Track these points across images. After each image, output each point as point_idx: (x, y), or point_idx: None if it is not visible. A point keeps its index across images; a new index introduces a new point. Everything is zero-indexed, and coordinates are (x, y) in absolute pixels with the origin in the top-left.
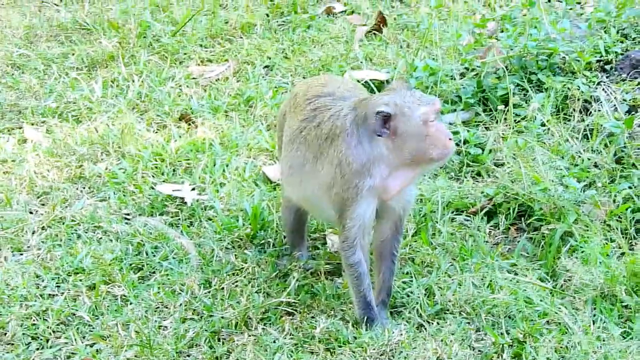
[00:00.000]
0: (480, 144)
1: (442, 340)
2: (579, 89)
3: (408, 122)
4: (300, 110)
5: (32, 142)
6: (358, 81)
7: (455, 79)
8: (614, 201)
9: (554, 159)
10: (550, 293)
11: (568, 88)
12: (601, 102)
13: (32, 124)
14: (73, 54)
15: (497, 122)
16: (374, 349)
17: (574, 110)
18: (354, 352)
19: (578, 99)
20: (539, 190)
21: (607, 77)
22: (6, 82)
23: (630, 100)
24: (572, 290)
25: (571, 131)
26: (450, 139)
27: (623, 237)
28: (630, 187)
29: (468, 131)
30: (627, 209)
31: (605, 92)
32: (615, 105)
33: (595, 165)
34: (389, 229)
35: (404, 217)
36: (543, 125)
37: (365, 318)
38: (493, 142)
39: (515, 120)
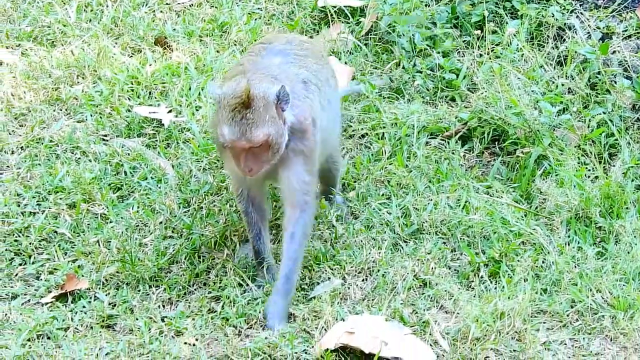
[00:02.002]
0: (455, 69)
1: (418, 259)
2: (553, 17)
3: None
4: None
5: (8, 64)
6: (333, 7)
7: (429, 6)
8: (588, 126)
9: (529, 84)
10: (525, 214)
11: (542, 15)
12: (575, 30)
13: (7, 48)
14: None
15: (471, 48)
16: (351, 267)
17: (548, 37)
18: (332, 269)
19: (552, 26)
20: (513, 114)
21: (580, 5)
22: None
23: (603, 27)
24: (546, 212)
25: (545, 58)
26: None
27: (597, 161)
28: (604, 113)
29: (443, 57)
30: (601, 134)
31: (579, 19)
32: (589, 32)
33: (570, 91)
34: (287, 209)
35: (292, 203)
36: (518, 50)
37: (257, 263)
38: (467, 68)
39: (490, 48)
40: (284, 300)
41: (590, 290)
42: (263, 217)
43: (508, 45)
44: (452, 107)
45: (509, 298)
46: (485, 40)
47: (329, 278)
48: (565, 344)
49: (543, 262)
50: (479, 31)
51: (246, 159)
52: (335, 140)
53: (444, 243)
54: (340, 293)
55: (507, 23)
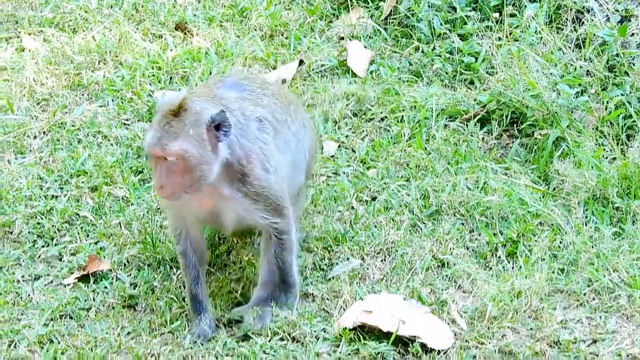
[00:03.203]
0: (474, 52)
1: (437, 240)
2: None
3: None
4: None
5: (30, 51)
6: None
7: None
8: (606, 108)
9: (547, 66)
10: (543, 195)
11: None
12: (594, 12)
13: (30, 34)
14: None
15: (490, 31)
16: (371, 247)
17: (567, 20)
18: (351, 250)
19: (571, 9)
20: (531, 97)
21: None
22: None
23: (622, 10)
24: (564, 193)
25: (564, 40)
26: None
27: (615, 142)
28: (622, 94)
29: (462, 40)
30: (618, 115)
31: (598, 2)
32: (607, 15)
33: (588, 73)
34: (265, 237)
35: (263, 230)
36: (537, 33)
37: (194, 311)
38: (486, 51)
39: (509, 32)
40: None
41: (607, 269)
42: (202, 259)
43: (527, 28)
44: (471, 90)
45: (526, 277)
46: (504, 24)
47: (348, 259)
48: (581, 322)
49: (561, 242)
50: (497, 14)
51: (160, 174)
52: (294, 187)
53: (462, 224)
54: (359, 273)
55: (525, 6)
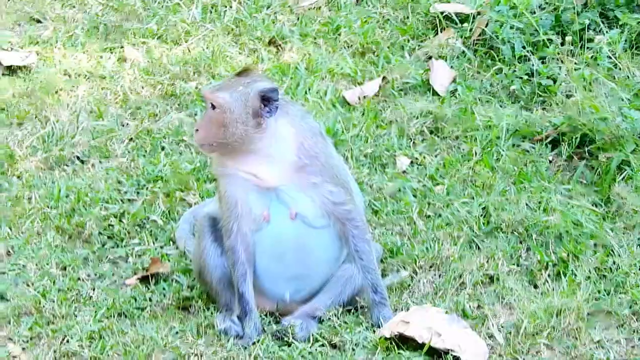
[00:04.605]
0: (553, 75)
1: (490, 256)
2: None
3: None
4: None
5: (131, 60)
6: (441, 13)
7: (535, 13)
8: None
9: (617, 91)
10: (603, 218)
11: None
12: None
13: (133, 45)
14: None
15: (572, 55)
16: (423, 261)
17: None
18: (404, 262)
19: None
20: (598, 119)
21: None
22: (112, 4)
23: None
24: (623, 216)
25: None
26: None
27: None
28: None
29: (542, 63)
30: None
31: None
32: None
33: None
34: (340, 229)
35: (336, 219)
36: (609, 57)
37: (239, 311)
38: (565, 74)
39: (590, 57)
40: (385, 307)
41: None
42: (250, 257)
43: (599, 52)
44: (546, 111)
45: (567, 296)
46: (584, 49)
47: (398, 270)
48: (619, 343)
49: (613, 263)
50: (567, 38)
51: (202, 118)
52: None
53: (520, 242)
54: (409, 285)
55: (606, 32)
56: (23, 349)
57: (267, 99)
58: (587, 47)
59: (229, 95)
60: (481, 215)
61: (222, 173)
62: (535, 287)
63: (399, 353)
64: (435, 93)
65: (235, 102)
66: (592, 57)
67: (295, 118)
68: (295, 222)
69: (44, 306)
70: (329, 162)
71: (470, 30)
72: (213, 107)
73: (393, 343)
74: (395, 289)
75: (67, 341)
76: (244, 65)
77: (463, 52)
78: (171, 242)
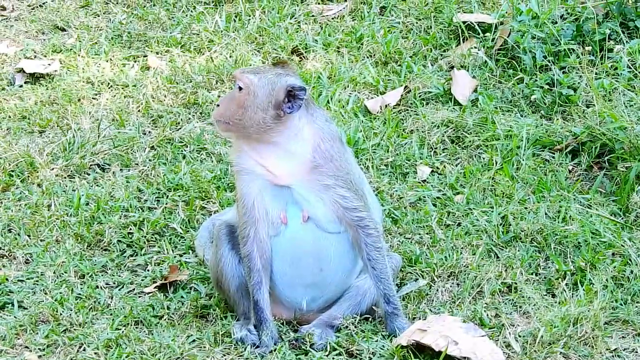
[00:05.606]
0: (574, 85)
1: (509, 265)
2: None
3: None
4: None
5: (154, 69)
6: (464, 23)
7: (556, 23)
8: None
9: (637, 101)
10: (622, 227)
11: None
12: None
13: (157, 53)
14: None
15: (592, 65)
16: (442, 269)
17: None
18: (422, 271)
19: None
20: (617, 128)
21: None
22: (137, 13)
23: None
24: None
25: None
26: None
27: None
28: None
29: (563, 73)
30: None
31: None
32: None
33: None
34: (353, 236)
35: (348, 225)
36: (629, 67)
37: (255, 319)
38: (585, 84)
39: (611, 67)
40: (398, 317)
41: None
42: (266, 265)
43: (618, 62)
44: (567, 121)
45: (584, 305)
46: (604, 58)
47: (416, 279)
48: (636, 352)
49: (631, 272)
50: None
51: (227, 95)
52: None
53: (539, 251)
54: (427, 294)
55: (626, 42)
56: (39, 356)
57: (292, 95)
58: (608, 57)
59: (257, 79)
60: (500, 224)
61: (238, 165)
62: (553, 296)
63: None
64: (456, 102)
65: (261, 88)
66: (612, 66)
67: (317, 120)
68: (309, 226)
69: (61, 314)
70: (343, 167)
71: (493, 40)
72: (240, 88)
73: (410, 351)
74: (413, 298)
75: (84, 349)
76: (282, 58)
77: (485, 61)
78: (190, 251)
